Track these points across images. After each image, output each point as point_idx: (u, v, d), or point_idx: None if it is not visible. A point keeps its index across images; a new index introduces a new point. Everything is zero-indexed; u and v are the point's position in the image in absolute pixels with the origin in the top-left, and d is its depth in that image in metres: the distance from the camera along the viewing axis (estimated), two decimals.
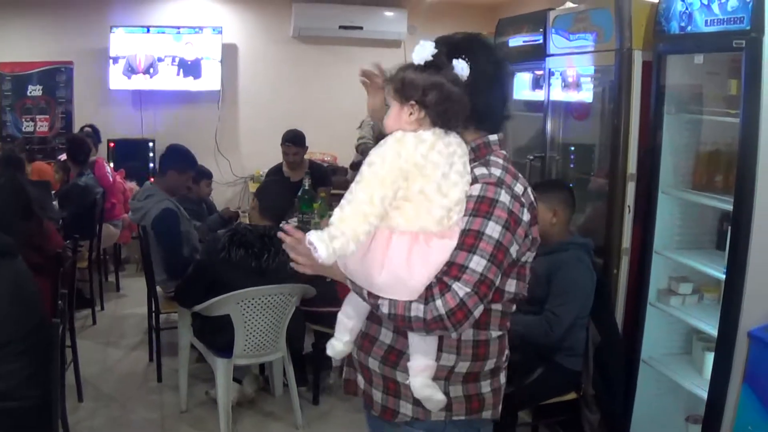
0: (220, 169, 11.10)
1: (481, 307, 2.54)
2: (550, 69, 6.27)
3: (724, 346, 4.44)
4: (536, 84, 7.30)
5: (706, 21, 4.51)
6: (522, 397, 4.93)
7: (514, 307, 2.91)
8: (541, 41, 6.41)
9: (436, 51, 2.65)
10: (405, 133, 2.63)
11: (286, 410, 6.13)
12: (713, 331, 4.60)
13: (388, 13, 12.05)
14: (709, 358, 4.74)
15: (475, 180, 2.66)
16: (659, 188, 5.13)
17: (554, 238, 5.07)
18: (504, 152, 2.85)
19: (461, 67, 2.67)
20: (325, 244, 2.48)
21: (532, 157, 6.58)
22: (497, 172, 2.70)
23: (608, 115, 5.75)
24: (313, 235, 2.51)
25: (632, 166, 5.34)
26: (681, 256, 5.11)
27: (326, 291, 5.76)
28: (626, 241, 5.41)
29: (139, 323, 8.05)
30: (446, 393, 2.77)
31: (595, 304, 5.01)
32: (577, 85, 6.19)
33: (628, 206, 5.37)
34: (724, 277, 4.51)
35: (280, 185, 6.33)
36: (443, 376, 2.78)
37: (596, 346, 5.05)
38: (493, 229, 2.56)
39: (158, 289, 6.72)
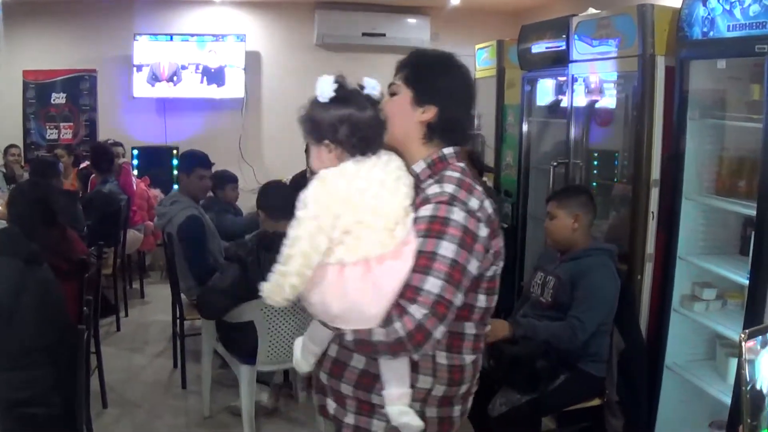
0: (244, 177, 11.13)
1: (441, 328, 2.52)
2: (573, 75, 6.25)
3: None
4: (559, 90, 7.30)
5: (729, 26, 4.50)
6: (546, 403, 4.92)
7: (488, 328, 2.91)
8: (564, 47, 6.41)
9: (336, 84, 2.65)
10: (326, 171, 2.65)
11: (310, 416, 6.13)
12: (737, 337, 4.58)
13: (411, 20, 12.09)
14: (733, 363, 4.72)
15: (427, 199, 2.64)
16: (683, 194, 5.12)
17: (578, 244, 5.07)
18: (461, 165, 2.79)
19: (372, 86, 2.71)
20: (272, 296, 2.64)
21: (555, 163, 6.57)
22: (449, 188, 2.65)
23: (631, 121, 5.74)
24: (264, 289, 2.65)
25: (656, 172, 5.33)
26: (704, 262, 5.09)
27: None
28: (650, 247, 5.39)
29: (164, 330, 8.08)
30: (422, 414, 2.76)
31: (619, 310, 5.00)
32: (601, 91, 6.18)
33: (652, 212, 5.35)
34: (747, 282, 4.48)
35: (278, 186, 6.31)
36: (420, 398, 2.77)
37: (620, 352, 5.04)
38: (447, 249, 2.54)
39: (182, 296, 6.73)
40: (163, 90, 11.48)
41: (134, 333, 8.31)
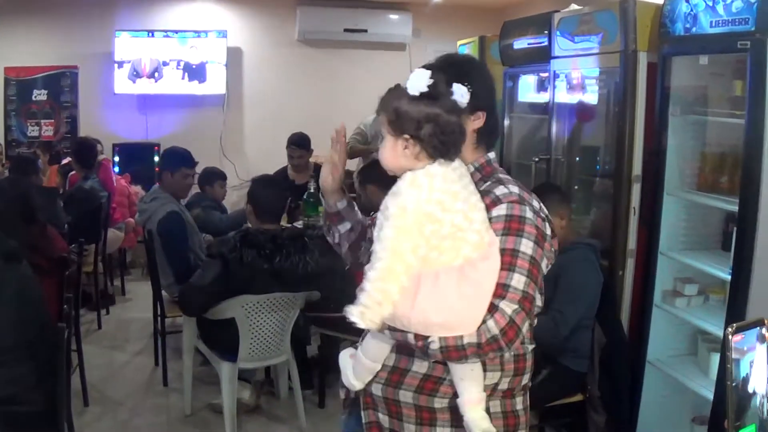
0: (226, 173, 11.11)
1: (527, 323, 2.55)
2: (555, 71, 6.26)
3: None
4: (541, 86, 7.30)
5: (711, 22, 4.50)
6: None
7: (536, 321, 2.88)
8: (546, 43, 6.40)
9: (431, 81, 2.56)
10: (415, 173, 2.57)
11: (291, 414, 6.13)
12: (719, 332, 4.59)
13: (393, 16, 12.07)
14: (715, 359, 4.74)
15: (498, 199, 2.65)
16: (664, 189, 5.12)
17: (566, 240, 5.08)
18: (502, 168, 2.85)
19: (461, 93, 2.61)
20: (363, 318, 2.50)
21: (537, 159, 6.57)
22: (515, 189, 2.70)
23: (613, 116, 5.75)
24: (353, 313, 2.52)
25: (637, 168, 5.34)
26: (686, 258, 5.10)
27: (331, 295, 5.79)
28: (632, 243, 5.40)
29: (145, 327, 8.03)
30: (486, 409, 2.71)
31: (601, 305, 5.01)
32: (582, 87, 6.18)
33: (634, 208, 5.36)
34: (729, 278, 4.50)
35: (271, 184, 6.31)
36: (486, 394, 2.73)
37: (602, 347, 5.05)
38: (526, 246, 2.57)
39: (163, 293, 6.71)
40: (145, 86, 11.45)
41: (115, 331, 8.27)
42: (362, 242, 3.15)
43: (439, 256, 2.50)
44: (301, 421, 5.96)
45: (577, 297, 4.88)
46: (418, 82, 2.56)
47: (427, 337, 2.51)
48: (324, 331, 6.35)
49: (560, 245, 4.94)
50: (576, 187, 6.56)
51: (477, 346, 2.48)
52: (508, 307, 2.48)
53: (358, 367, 2.81)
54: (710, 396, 4.61)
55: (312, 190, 7.29)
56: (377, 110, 2.68)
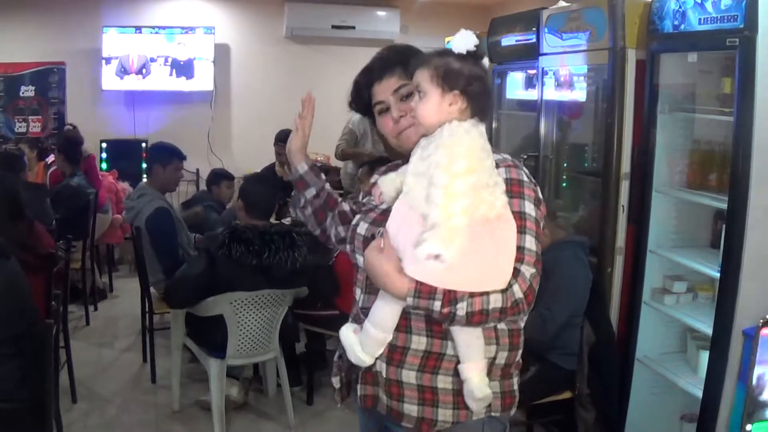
0: None
1: (538, 285, 2.58)
2: (543, 68, 6.26)
3: (718, 344, 4.44)
4: (529, 83, 7.30)
5: (700, 19, 4.51)
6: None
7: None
8: (534, 40, 6.40)
9: (477, 42, 2.58)
10: (461, 123, 2.57)
11: (280, 410, 6.13)
12: (708, 330, 4.60)
13: (381, 13, 12.11)
14: (704, 356, 4.74)
15: (495, 164, 2.64)
16: (653, 187, 5.13)
17: (555, 239, 5.08)
18: None
19: (486, 63, 2.64)
20: (448, 247, 2.41)
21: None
22: (507, 155, 2.75)
23: (602, 114, 5.74)
24: (434, 245, 2.41)
25: (626, 165, 5.33)
26: (675, 255, 5.11)
27: (318, 292, 5.79)
28: (620, 240, 5.40)
29: (133, 324, 8.02)
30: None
31: (590, 303, 5.01)
32: (571, 85, 6.18)
33: (622, 205, 5.36)
34: (718, 275, 4.50)
35: (264, 181, 6.31)
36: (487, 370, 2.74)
37: (590, 345, 5.05)
38: (530, 208, 2.61)
39: (151, 289, 6.70)
40: (132, 83, 11.41)
41: (103, 327, 8.25)
42: (328, 212, 3.19)
43: (479, 205, 2.48)
44: (290, 417, 5.95)
45: (566, 294, 4.89)
46: (467, 41, 2.58)
47: (455, 303, 2.48)
48: (311, 328, 6.35)
49: (548, 245, 4.99)
50: (564, 185, 6.56)
51: (501, 311, 2.50)
52: (527, 270, 2.52)
53: (367, 341, 2.73)
54: (699, 394, 4.63)
55: None
56: (409, 68, 2.70)
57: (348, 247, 2.93)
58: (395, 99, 2.86)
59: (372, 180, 3.04)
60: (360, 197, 3.17)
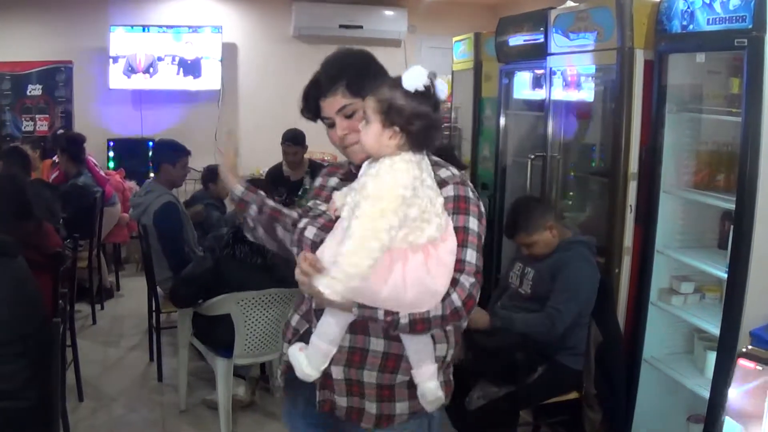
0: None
1: (479, 294, 2.70)
2: (551, 68, 6.24)
3: (725, 345, 4.43)
4: (536, 83, 7.29)
5: (708, 20, 4.50)
6: (523, 396, 4.94)
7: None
8: (542, 40, 6.39)
9: (428, 81, 2.64)
10: (393, 159, 2.67)
11: None
12: (715, 331, 4.59)
13: (388, 13, 12.09)
14: (711, 357, 4.74)
15: (444, 181, 2.80)
16: (661, 187, 5.13)
17: (563, 239, 5.06)
18: None
19: (442, 90, 2.70)
20: (332, 289, 2.59)
21: (533, 156, 6.57)
22: (456, 171, 2.89)
23: (609, 114, 5.73)
24: (321, 282, 2.61)
25: (633, 166, 5.32)
26: (682, 256, 5.10)
27: None
28: (628, 241, 5.40)
29: (140, 323, 8.04)
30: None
31: (597, 303, 5.00)
32: (578, 85, 6.17)
33: (630, 205, 5.35)
34: (725, 276, 4.50)
35: (264, 180, 6.30)
36: (440, 368, 2.89)
37: (598, 345, 5.04)
38: (474, 223, 2.75)
39: (158, 288, 6.71)
40: (139, 82, 11.42)
41: (110, 326, 8.28)
42: (276, 224, 3.22)
43: (407, 235, 2.61)
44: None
45: (574, 295, 4.87)
46: (416, 79, 2.63)
47: (397, 312, 2.63)
48: None
49: (555, 246, 4.99)
50: (572, 185, 6.55)
51: (441, 318, 2.65)
52: (467, 280, 2.66)
53: (314, 356, 2.83)
54: (706, 395, 4.61)
55: (307, 186, 7.28)
56: (369, 97, 2.74)
57: (295, 250, 3.05)
58: (339, 118, 2.97)
59: (316, 184, 3.27)
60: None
